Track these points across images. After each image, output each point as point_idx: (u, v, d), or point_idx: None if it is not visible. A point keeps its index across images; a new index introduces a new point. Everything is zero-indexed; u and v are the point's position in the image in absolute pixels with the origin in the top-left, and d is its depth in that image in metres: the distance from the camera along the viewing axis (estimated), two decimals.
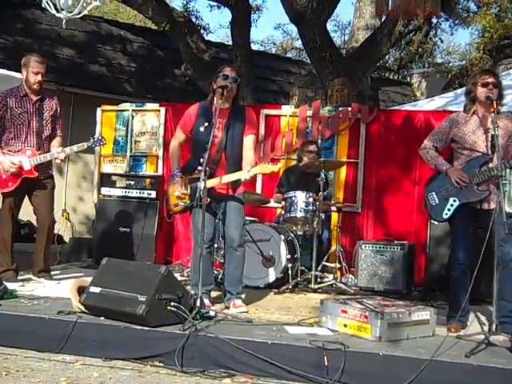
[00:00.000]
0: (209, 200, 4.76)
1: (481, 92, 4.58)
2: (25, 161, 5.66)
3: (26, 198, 5.88)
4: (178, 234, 7.90)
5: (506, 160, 4.41)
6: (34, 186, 5.79)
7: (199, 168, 4.80)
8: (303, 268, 6.40)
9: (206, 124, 4.98)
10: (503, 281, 4.27)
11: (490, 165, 4.49)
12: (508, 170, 6.37)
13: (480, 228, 4.59)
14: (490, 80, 4.57)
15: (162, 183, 7.47)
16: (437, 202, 4.73)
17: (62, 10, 5.90)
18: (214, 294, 5.37)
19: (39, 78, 5.75)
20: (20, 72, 5.88)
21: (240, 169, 5.02)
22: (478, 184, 4.53)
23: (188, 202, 5.04)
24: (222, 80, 4.98)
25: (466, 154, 4.63)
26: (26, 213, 6.25)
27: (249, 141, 5.13)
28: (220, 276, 6.09)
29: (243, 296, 5.24)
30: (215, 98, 5.01)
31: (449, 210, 4.64)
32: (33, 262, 5.95)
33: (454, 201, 4.62)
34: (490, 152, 4.50)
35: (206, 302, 4.75)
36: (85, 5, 5.87)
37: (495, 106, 4.37)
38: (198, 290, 4.46)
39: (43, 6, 5.93)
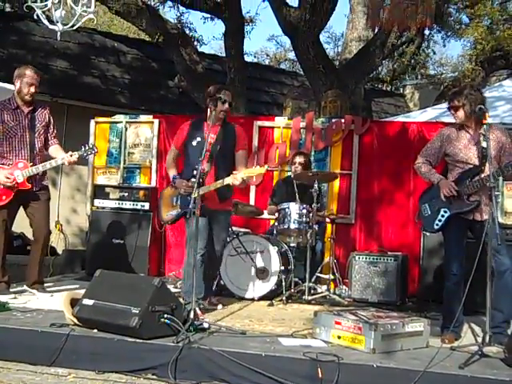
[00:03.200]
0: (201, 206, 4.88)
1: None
2: (17, 173, 5.64)
3: (21, 210, 5.86)
4: (171, 245, 7.87)
5: (498, 168, 4.44)
6: (29, 198, 5.77)
7: (192, 180, 4.95)
8: (297, 279, 6.39)
9: (199, 139, 5.26)
10: (497, 291, 4.29)
11: (482, 175, 4.52)
12: (500, 182, 6.44)
13: (473, 239, 4.62)
14: (452, 104, 4.67)
15: (156, 195, 7.45)
16: (429, 213, 4.80)
17: (57, 22, 5.89)
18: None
19: (32, 89, 5.75)
20: (13, 84, 5.88)
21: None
22: (468, 195, 4.56)
23: (180, 211, 5.25)
24: (222, 105, 5.27)
25: (460, 166, 4.67)
26: (19, 225, 6.23)
27: (241, 156, 5.42)
28: (214, 287, 6.10)
29: (235, 307, 5.27)
30: (208, 114, 5.31)
31: (440, 220, 4.69)
32: (27, 274, 5.92)
33: (445, 211, 4.66)
34: (481, 164, 4.54)
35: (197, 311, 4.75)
36: (79, 18, 5.86)
37: (486, 117, 4.40)
38: (189, 298, 4.54)
39: (35, 17, 5.91)
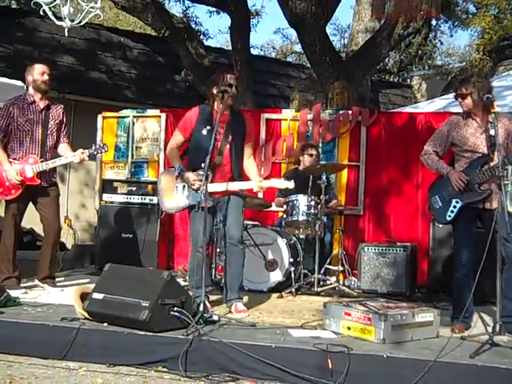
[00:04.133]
0: (211, 204, 4.81)
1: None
2: (27, 168, 5.67)
3: (30, 206, 5.88)
4: (180, 238, 7.88)
5: (507, 157, 4.42)
6: (39, 194, 5.79)
7: (200, 172, 4.83)
8: (306, 271, 6.39)
9: (209, 127, 5.00)
10: (507, 280, 4.27)
11: (491, 164, 4.50)
12: (510, 170, 6.40)
13: (482, 228, 4.60)
14: (459, 92, 4.64)
15: None
16: (440, 204, 4.75)
17: (65, 18, 5.91)
18: (215, 297, 5.38)
19: (46, 77, 5.79)
20: (20, 80, 5.90)
21: (242, 175, 5.12)
22: (479, 184, 4.54)
23: (187, 202, 5.08)
24: (222, 85, 5.02)
25: (467, 156, 4.64)
26: (29, 220, 6.25)
27: (249, 149, 5.26)
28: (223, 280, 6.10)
29: (245, 298, 5.26)
30: (216, 103, 5.08)
31: (452, 211, 4.66)
32: (38, 269, 5.94)
33: (457, 202, 4.63)
34: (490, 152, 4.51)
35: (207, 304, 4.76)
36: (86, 14, 5.88)
37: (495, 106, 4.38)
38: (198, 292, 4.50)
39: (42, 13, 5.92)
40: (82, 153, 5.71)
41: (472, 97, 4.56)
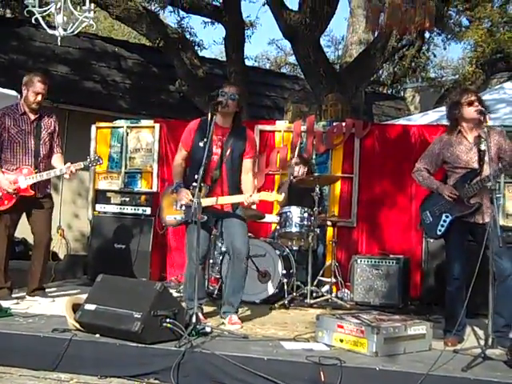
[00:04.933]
0: (206, 218, 4.81)
1: (468, 111, 4.59)
2: (21, 179, 5.65)
3: (23, 216, 5.86)
4: (172, 249, 7.86)
5: (498, 169, 4.44)
6: (32, 205, 5.76)
7: (194, 184, 4.76)
8: (299, 283, 6.38)
9: (205, 140, 4.89)
10: (498, 296, 4.27)
11: (480, 177, 4.50)
12: (502, 184, 6.43)
13: (473, 242, 4.61)
14: (473, 98, 4.60)
15: (157, 199, 7.43)
16: (430, 219, 4.77)
17: (58, 27, 5.91)
18: (208, 309, 5.36)
19: (39, 98, 5.74)
20: (14, 89, 5.88)
21: (238, 189, 5.08)
22: (468, 198, 4.55)
23: (184, 216, 5.04)
24: (218, 96, 4.99)
25: (459, 172, 4.65)
26: (22, 230, 6.23)
27: (248, 164, 5.17)
28: (216, 292, 6.09)
29: (239, 311, 5.24)
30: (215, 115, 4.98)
31: (442, 226, 4.67)
32: (27, 281, 5.91)
33: (447, 216, 4.65)
34: (478, 166, 4.53)
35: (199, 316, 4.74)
36: (80, 23, 5.88)
37: (487, 120, 4.40)
38: (191, 304, 4.50)
39: (33, 22, 5.90)
40: (68, 167, 5.68)
41: (483, 104, 4.57)
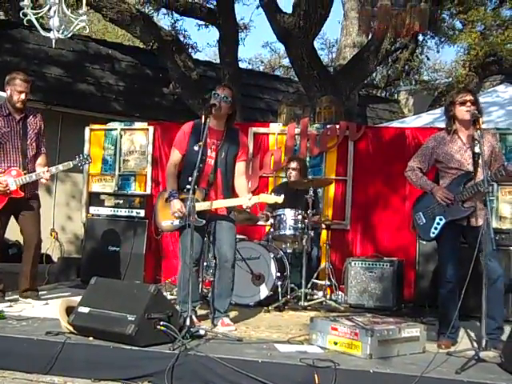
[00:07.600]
0: (204, 222, 4.84)
1: (460, 110, 4.61)
2: (10, 181, 5.62)
3: (13, 218, 5.84)
4: (167, 252, 7.86)
5: (492, 173, 4.45)
6: (21, 207, 5.74)
7: (188, 187, 4.76)
8: (293, 286, 6.39)
9: (200, 143, 4.84)
10: (489, 298, 4.26)
11: (475, 181, 4.51)
12: (495, 186, 6.45)
13: (466, 244, 4.62)
14: (468, 98, 4.60)
15: (151, 202, 7.44)
16: (424, 221, 4.76)
17: (52, 29, 5.90)
18: (202, 311, 5.36)
19: (23, 96, 5.72)
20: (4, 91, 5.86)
21: (232, 193, 5.07)
22: (463, 201, 4.55)
23: (181, 221, 5.00)
24: (212, 99, 4.98)
25: (452, 173, 4.65)
26: (15, 232, 6.21)
27: (241, 167, 5.15)
28: (210, 294, 6.06)
29: (232, 313, 5.23)
30: (209, 118, 4.95)
31: (436, 228, 4.67)
32: (19, 283, 5.89)
33: (441, 219, 4.64)
34: (473, 169, 4.54)
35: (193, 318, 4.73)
36: (73, 25, 5.87)
37: (481, 123, 4.41)
38: (185, 307, 4.48)
39: (26, 23, 5.89)
40: (44, 172, 5.68)
41: (477, 105, 4.57)
